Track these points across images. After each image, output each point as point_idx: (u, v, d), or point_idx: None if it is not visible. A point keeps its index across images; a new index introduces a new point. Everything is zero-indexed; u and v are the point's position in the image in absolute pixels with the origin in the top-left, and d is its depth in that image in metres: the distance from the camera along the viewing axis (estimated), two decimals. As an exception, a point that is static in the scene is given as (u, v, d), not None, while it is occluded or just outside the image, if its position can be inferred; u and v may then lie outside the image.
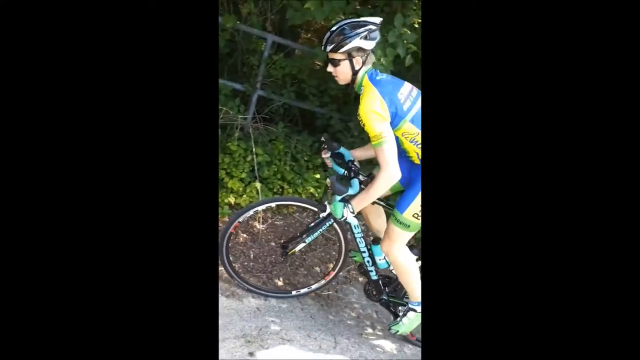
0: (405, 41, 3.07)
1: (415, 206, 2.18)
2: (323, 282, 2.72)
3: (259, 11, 3.89)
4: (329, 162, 2.46)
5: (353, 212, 2.22)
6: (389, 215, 2.37)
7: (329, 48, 2.09)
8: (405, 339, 2.63)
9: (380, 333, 2.65)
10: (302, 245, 2.54)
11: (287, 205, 3.48)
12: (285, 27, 4.20)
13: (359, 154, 2.48)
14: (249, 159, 3.38)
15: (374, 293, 2.61)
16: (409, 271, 2.32)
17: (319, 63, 4.55)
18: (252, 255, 3.02)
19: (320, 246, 3.30)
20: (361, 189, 2.20)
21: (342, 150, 2.46)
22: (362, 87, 2.12)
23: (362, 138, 2.61)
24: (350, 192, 2.18)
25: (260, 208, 2.53)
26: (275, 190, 3.41)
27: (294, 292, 2.72)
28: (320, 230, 2.49)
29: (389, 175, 2.05)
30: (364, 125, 2.07)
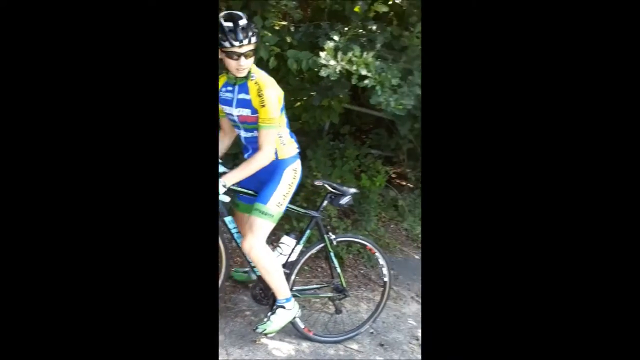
0: (267, 43, 3.02)
1: (277, 196, 2.28)
2: None
3: None
4: None
5: (225, 186, 2.16)
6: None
7: (253, 40, 2.05)
8: (302, 335, 2.55)
9: (276, 336, 2.54)
10: None
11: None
12: None
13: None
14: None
15: (263, 295, 2.49)
16: (273, 269, 2.31)
17: None
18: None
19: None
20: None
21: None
22: (253, 74, 2.16)
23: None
24: (220, 169, 2.23)
25: None
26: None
27: None
28: None
29: (267, 155, 2.20)
30: (263, 105, 2.11)
